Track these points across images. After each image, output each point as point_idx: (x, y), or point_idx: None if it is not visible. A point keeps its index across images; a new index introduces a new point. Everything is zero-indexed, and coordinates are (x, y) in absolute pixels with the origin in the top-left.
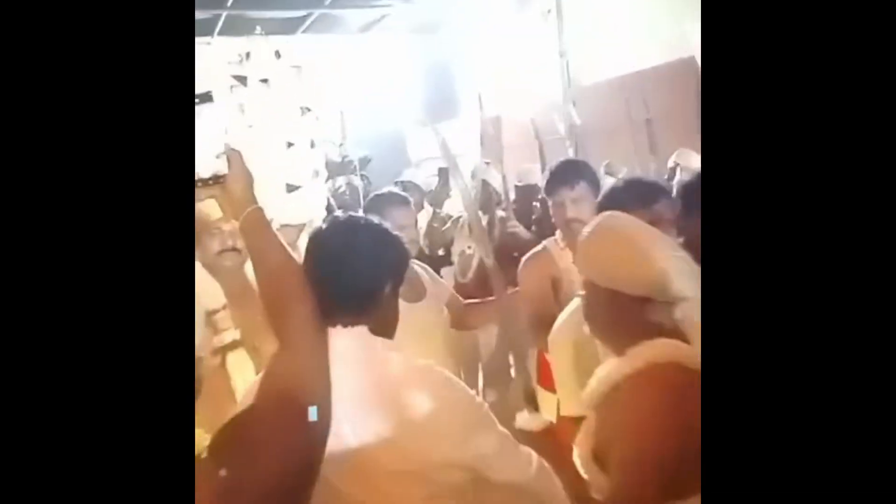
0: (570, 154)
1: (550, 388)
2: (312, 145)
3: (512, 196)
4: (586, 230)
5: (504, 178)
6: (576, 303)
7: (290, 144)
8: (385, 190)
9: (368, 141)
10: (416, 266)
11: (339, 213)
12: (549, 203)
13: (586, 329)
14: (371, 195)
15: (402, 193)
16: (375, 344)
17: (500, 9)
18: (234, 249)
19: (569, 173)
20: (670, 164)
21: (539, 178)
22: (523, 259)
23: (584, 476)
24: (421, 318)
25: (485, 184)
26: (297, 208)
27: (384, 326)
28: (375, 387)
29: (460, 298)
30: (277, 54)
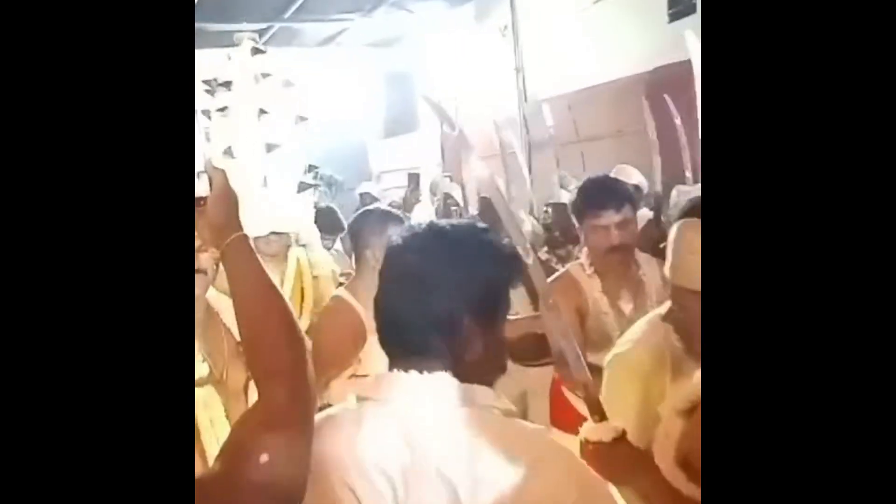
0: (524, 168)
1: (567, 427)
2: (268, 149)
3: (473, 209)
4: (672, 238)
5: (464, 189)
6: (640, 325)
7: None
8: (374, 206)
9: (329, 153)
10: None
11: (419, 221)
12: (581, 226)
13: (678, 344)
14: (359, 211)
15: (395, 211)
16: (468, 395)
17: (458, 24)
18: (198, 271)
19: (610, 195)
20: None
21: (504, 191)
22: (548, 280)
23: (674, 485)
24: None
25: (446, 196)
26: (273, 219)
27: (478, 370)
28: (465, 455)
29: None
30: (255, 50)
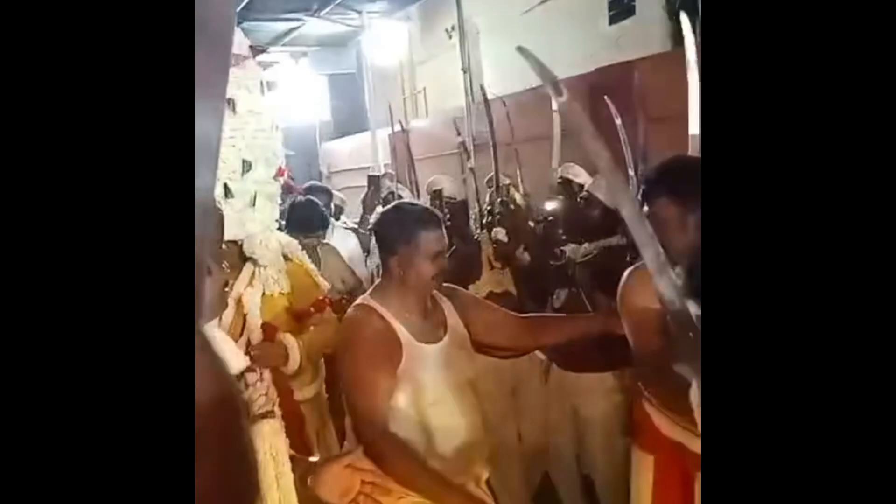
0: (469, 165)
1: (650, 448)
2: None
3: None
4: None
5: (417, 188)
6: None
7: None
8: (405, 201)
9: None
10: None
11: None
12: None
13: None
14: (386, 208)
15: (431, 208)
16: None
17: (407, 25)
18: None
19: (659, 182)
20: (558, 178)
21: (454, 190)
22: (625, 274)
23: None
24: (447, 370)
25: (398, 196)
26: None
27: None
28: None
29: (509, 313)
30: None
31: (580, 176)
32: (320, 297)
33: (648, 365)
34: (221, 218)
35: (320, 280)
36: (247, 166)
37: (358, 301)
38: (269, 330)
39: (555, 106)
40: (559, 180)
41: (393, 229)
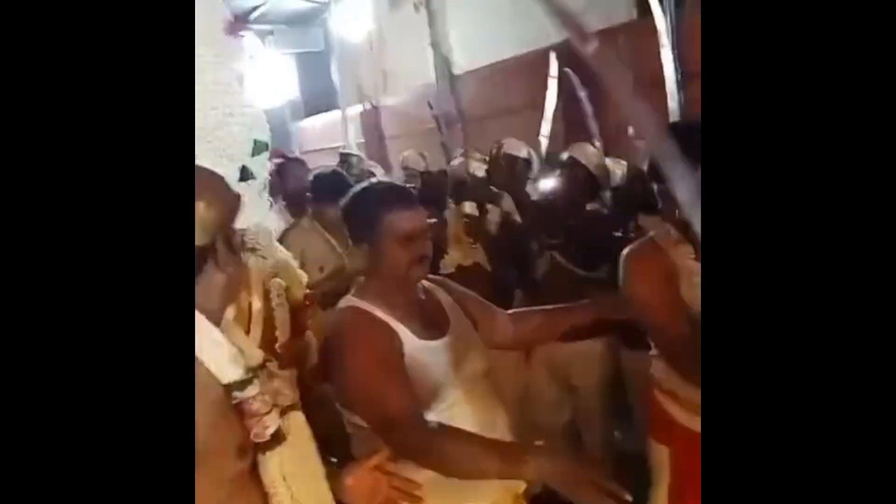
0: (441, 140)
1: (665, 439)
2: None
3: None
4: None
5: (389, 164)
6: None
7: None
8: (373, 180)
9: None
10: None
11: None
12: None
13: None
14: (356, 189)
15: (398, 184)
16: None
17: (373, 1)
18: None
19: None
20: (501, 156)
21: (423, 165)
22: (625, 251)
23: None
24: (457, 366)
25: (369, 173)
26: None
27: None
28: None
29: (497, 309)
30: None
31: (522, 150)
32: (306, 290)
33: (676, 348)
34: (239, 199)
35: (301, 272)
36: (259, 146)
37: (341, 304)
38: (296, 326)
39: (553, 72)
40: (503, 158)
41: (356, 215)
